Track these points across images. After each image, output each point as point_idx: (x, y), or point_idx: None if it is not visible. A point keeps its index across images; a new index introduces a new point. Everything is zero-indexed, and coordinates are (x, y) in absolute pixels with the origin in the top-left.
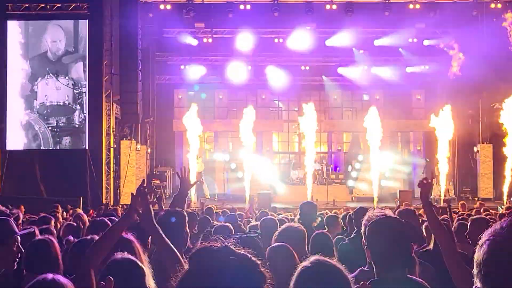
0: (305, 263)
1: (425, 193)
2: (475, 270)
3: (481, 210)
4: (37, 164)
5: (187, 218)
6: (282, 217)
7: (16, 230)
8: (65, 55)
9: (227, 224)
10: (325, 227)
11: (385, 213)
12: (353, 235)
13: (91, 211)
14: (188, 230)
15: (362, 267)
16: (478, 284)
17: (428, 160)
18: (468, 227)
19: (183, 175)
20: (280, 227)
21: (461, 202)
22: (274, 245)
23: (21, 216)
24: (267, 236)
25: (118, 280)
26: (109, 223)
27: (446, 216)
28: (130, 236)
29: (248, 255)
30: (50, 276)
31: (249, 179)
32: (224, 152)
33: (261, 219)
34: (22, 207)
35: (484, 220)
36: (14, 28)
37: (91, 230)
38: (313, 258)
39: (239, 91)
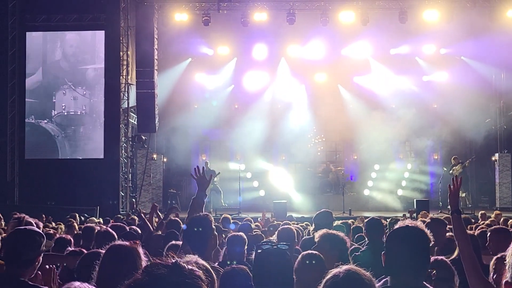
0: (336, 270)
1: (455, 201)
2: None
3: (501, 221)
4: (54, 173)
5: (213, 221)
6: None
7: None
8: (83, 66)
9: (240, 234)
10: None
11: (412, 222)
12: (365, 247)
13: (112, 221)
14: (216, 234)
15: (386, 278)
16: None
17: (445, 169)
18: (488, 237)
19: (197, 174)
20: (297, 237)
21: (482, 211)
22: (306, 253)
23: (41, 225)
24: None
25: None
26: (114, 233)
27: (471, 226)
28: (135, 245)
29: (195, 269)
30: (76, 284)
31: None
32: (240, 161)
33: (278, 229)
34: (44, 215)
35: (504, 229)
36: (33, 39)
37: (100, 241)
38: (344, 267)
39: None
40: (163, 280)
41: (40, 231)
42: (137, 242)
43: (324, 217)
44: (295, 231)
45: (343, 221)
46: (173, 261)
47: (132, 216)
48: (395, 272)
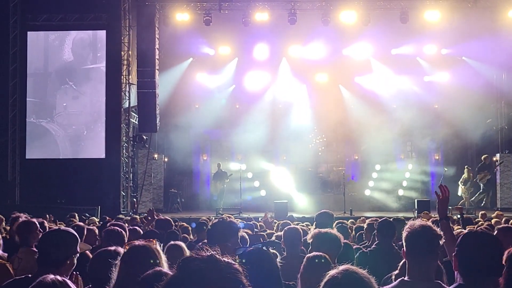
0: (333, 272)
1: (443, 208)
2: None
3: (502, 221)
4: (56, 173)
5: (240, 226)
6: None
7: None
8: (84, 65)
9: (243, 233)
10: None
11: (426, 223)
12: (374, 246)
13: (111, 220)
14: (239, 235)
15: (402, 277)
16: None
17: (446, 169)
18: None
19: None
20: (303, 236)
21: (482, 212)
22: (311, 255)
23: (46, 225)
24: (291, 245)
25: None
26: (123, 231)
27: (472, 226)
28: (152, 243)
29: (232, 262)
30: (51, 276)
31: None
32: (241, 161)
33: (284, 229)
34: (47, 216)
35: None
36: (35, 38)
37: (106, 240)
38: (342, 267)
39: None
40: (199, 275)
41: (73, 232)
42: (153, 241)
43: (325, 217)
44: (302, 231)
45: (340, 220)
46: (208, 254)
47: (135, 216)
48: (470, 273)
